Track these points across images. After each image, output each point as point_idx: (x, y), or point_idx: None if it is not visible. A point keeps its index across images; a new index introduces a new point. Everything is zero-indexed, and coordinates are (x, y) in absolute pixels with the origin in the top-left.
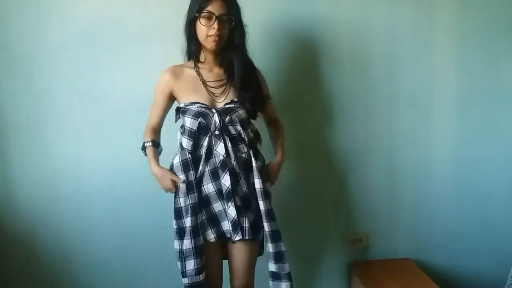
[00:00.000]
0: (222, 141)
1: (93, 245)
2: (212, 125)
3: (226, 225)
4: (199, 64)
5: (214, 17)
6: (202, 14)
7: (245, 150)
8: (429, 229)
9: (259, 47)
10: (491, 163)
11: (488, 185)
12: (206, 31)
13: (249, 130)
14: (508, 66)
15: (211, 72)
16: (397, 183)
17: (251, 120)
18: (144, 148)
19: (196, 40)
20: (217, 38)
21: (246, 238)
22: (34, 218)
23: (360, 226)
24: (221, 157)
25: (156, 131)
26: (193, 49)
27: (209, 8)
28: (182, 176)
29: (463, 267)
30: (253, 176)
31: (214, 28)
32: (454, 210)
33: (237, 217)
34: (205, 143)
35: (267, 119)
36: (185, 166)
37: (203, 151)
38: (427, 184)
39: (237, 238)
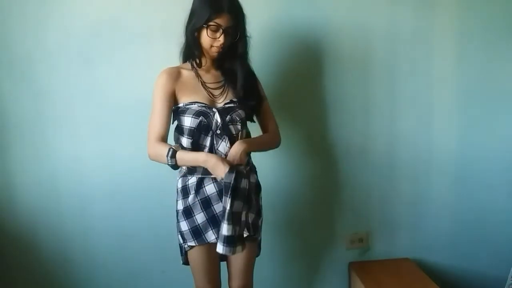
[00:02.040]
0: (224, 140)
1: (93, 245)
2: (214, 124)
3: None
4: (196, 65)
5: (221, 30)
6: (210, 26)
7: None
8: (429, 229)
9: (259, 47)
10: (491, 163)
11: (488, 186)
12: (211, 42)
13: (244, 130)
14: (508, 66)
15: (209, 73)
16: (397, 183)
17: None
18: (173, 155)
19: (199, 46)
20: (220, 50)
21: (252, 233)
22: (34, 218)
23: (360, 226)
24: (223, 156)
25: (165, 142)
26: (196, 54)
27: (217, 20)
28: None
29: (463, 267)
30: (251, 176)
31: (219, 40)
32: (454, 210)
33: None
34: (207, 143)
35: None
36: (191, 171)
37: (205, 151)
38: (427, 184)
39: (245, 235)
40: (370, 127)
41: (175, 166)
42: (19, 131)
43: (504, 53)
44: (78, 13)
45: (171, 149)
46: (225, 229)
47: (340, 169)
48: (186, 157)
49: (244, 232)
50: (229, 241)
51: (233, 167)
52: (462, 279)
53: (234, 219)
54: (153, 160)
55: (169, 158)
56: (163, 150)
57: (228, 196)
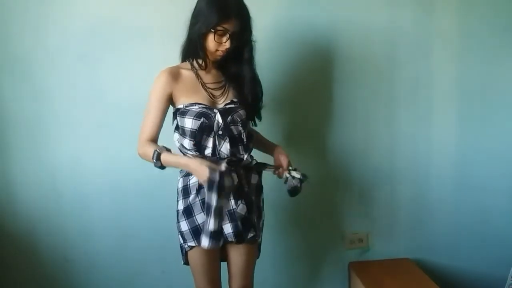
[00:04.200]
0: (226, 141)
1: (93, 245)
2: (215, 125)
3: (228, 227)
4: (198, 66)
5: (227, 35)
6: (218, 31)
7: (243, 151)
8: (429, 229)
9: (259, 49)
10: (491, 163)
11: (488, 185)
12: (217, 46)
13: (247, 131)
14: (508, 66)
15: (209, 73)
16: (397, 183)
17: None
18: (158, 157)
19: (204, 49)
20: (224, 53)
21: (256, 235)
22: (34, 218)
23: (360, 226)
24: (225, 157)
25: (155, 143)
26: (201, 56)
27: (226, 25)
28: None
29: (463, 267)
30: (253, 177)
31: (225, 45)
32: (454, 210)
33: (248, 214)
34: (210, 143)
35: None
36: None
37: (208, 152)
38: (427, 184)
39: (250, 235)
40: (371, 128)
41: (162, 167)
42: (19, 131)
43: (505, 53)
44: (78, 13)
45: (156, 152)
46: (211, 224)
47: (340, 169)
48: (170, 160)
49: (250, 232)
50: (215, 235)
51: (215, 169)
52: (462, 279)
53: (220, 214)
54: (142, 158)
55: (154, 160)
56: (149, 152)
57: (213, 192)
